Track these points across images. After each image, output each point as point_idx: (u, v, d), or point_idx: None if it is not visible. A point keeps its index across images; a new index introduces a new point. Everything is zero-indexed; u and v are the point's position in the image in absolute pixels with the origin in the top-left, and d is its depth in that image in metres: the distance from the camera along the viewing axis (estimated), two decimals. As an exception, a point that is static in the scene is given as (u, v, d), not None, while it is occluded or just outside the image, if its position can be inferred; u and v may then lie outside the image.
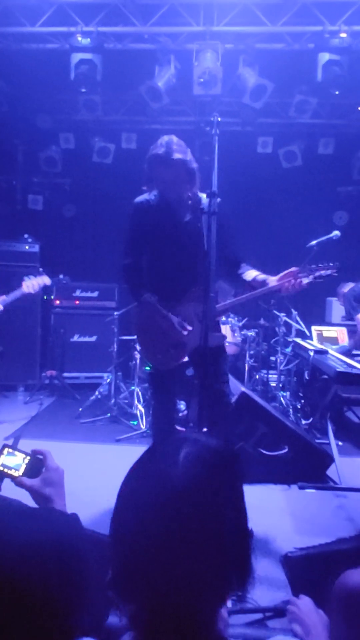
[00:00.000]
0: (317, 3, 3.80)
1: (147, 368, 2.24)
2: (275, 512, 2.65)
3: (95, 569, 0.69)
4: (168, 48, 4.11)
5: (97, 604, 0.66)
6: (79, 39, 3.96)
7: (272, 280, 2.11)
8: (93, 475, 3.10)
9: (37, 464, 0.97)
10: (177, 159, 2.01)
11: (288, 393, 4.28)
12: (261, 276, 2.18)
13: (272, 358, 4.63)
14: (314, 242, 3.72)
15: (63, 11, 3.98)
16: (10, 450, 0.97)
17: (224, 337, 2.39)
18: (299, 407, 4.04)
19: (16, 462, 0.96)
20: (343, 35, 3.79)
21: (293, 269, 2.08)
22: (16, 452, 0.97)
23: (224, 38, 4.04)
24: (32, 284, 3.20)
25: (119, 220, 5.68)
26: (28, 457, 0.97)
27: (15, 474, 0.96)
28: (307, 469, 3.01)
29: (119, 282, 5.20)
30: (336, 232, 3.59)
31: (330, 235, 3.56)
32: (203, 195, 2.16)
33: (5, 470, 0.95)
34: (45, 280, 3.33)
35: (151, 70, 4.20)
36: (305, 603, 1.05)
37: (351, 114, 4.79)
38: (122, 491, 0.70)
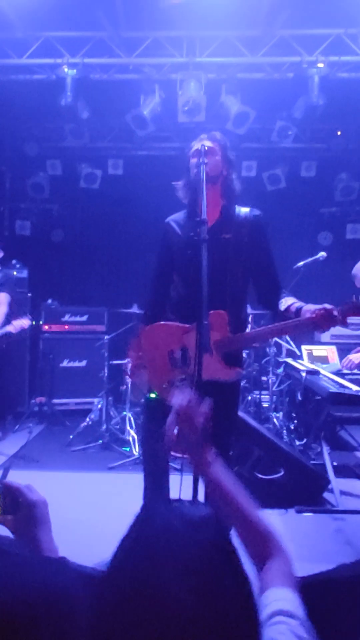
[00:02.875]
0: (295, 36, 3.97)
1: (153, 395, 2.10)
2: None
3: (84, 612, 0.66)
4: (152, 78, 4.23)
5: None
6: (66, 70, 4.04)
7: (308, 310, 1.84)
8: (85, 506, 3.02)
9: (10, 501, 0.93)
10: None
11: (281, 414, 4.26)
12: (297, 304, 1.95)
13: (264, 378, 4.62)
14: (301, 264, 3.78)
15: (49, 44, 4.08)
16: None
17: (240, 373, 2.05)
18: (293, 427, 4.01)
19: None
20: (320, 65, 3.95)
21: (327, 305, 1.81)
22: None
23: (206, 68, 4.17)
24: (19, 325, 3.65)
25: (106, 244, 5.73)
26: None
27: None
28: (304, 492, 2.97)
29: (107, 305, 5.20)
30: (322, 253, 3.66)
31: (317, 256, 3.63)
32: (243, 210, 2.08)
33: None
34: (25, 323, 3.73)
35: (137, 99, 4.30)
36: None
37: (331, 139, 4.94)
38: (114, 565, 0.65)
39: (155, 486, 2.18)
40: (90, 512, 2.94)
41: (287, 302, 2.00)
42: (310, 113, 4.16)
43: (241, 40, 4.03)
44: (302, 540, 2.61)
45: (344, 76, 4.12)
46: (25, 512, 0.93)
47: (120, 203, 5.44)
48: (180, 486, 1.89)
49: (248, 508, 0.97)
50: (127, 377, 4.13)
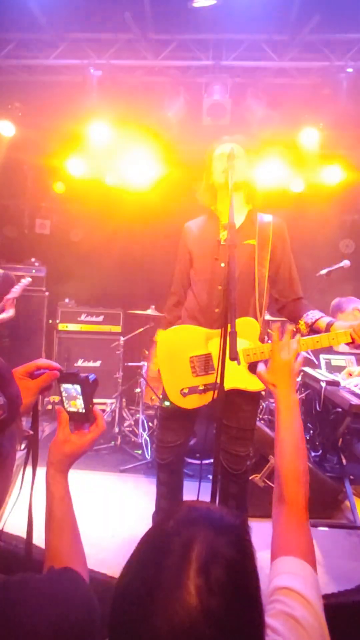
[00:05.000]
0: (323, 40, 3.90)
1: (167, 404, 2.00)
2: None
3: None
4: (178, 81, 4.21)
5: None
6: (92, 71, 4.06)
7: (343, 326, 1.82)
8: (96, 507, 3.00)
9: (86, 418, 0.95)
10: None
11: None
12: (326, 318, 1.92)
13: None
14: (324, 271, 3.71)
15: (76, 45, 4.09)
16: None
17: (257, 393, 1.99)
18: (309, 438, 3.93)
19: (76, 404, 0.94)
20: (349, 70, 3.88)
21: None
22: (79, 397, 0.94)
23: (232, 72, 4.14)
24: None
25: (125, 245, 5.72)
26: (86, 409, 0.94)
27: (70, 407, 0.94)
28: (319, 504, 2.90)
29: (124, 307, 5.18)
30: (346, 261, 3.59)
31: (340, 264, 3.55)
32: (266, 216, 2.03)
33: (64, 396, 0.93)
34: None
35: (161, 101, 4.28)
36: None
37: (357, 146, 4.86)
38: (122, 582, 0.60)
39: (170, 496, 2.14)
40: (100, 514, 2.91)
41: (314, 316, 1.95)
42: (336, 118, 4.09)
43: (268, 44, 3.98)
44: (317, 556, 2.53)
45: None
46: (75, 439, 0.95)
47: (141, 202, 5.43)
48: (198, 493, 1.85)
49: (306, 455, 1.03)
50: (143, 379, 4.10)
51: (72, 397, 0.94)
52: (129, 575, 0.58)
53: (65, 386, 0.94)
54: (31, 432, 0.91)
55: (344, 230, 5.57)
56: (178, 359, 1.96)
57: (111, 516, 2.88)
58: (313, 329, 1.95)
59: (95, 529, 2.67)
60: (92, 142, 4.62)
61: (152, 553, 0.58)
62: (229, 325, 1.44)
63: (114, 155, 5.04)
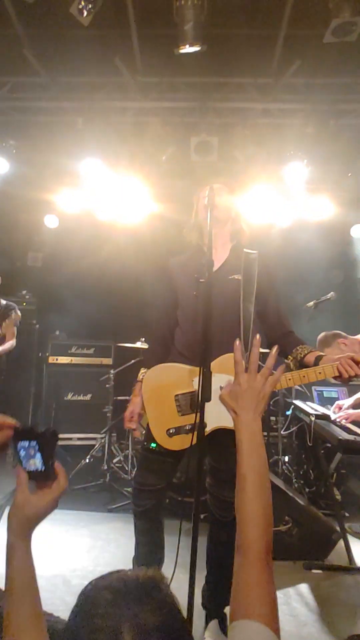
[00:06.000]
0: (303, 83, 4.07)
1: (153, 445, 1.92)
2: (279, 594, 2.42)
3: None
4: (166, 120, 4.35)
5: None
6: (84, 112, 4.19)
7: (330, 360, 1.81)
8: (80, 550, 2.88)
9: (47, 477, 0.88)
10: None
11: (289, 457, 4.10)
12: (316, 352, 1.92)
13: (273, 418, 4.48)
14: (311, 303, 3.74)
15: (69, 87, 4.24)
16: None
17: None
18: (302, 473, 3.84)
19: (35, 462, 0.88)
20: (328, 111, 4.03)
21: (357, 357, 1.80)
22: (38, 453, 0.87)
23: (219, 112, 4.29)
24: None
25: (116, 278, 5.76)
26: (46, 466, 0.87)
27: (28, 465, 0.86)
28: (313, 544, 2.80)
29: (115, 339, 5.16)
30: (332, 293, 3.62)
31: (327, 296, 3.59)
32: (251, 251, 2.04)
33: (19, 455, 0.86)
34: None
35: (151, 139, 4.41)
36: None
37: (343, 180, 4.99)
38: None
39: (148, 543, 2.05)
40: (83, 557, 2.79)
41: (303, 350, 1.95)
42: (320, 155, 4.22)
43: (253, 86, 4.14)
44: (309, 602, 2.42)
45: (354, 122, 4.19)
46: (37, 498, 0.88)
47: (132, 236, 5.51)
48: (179, 532, 1.78)
49: (268, 494, 0.89)
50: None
51: (30, 455, 0.88)
52: None
53: (22, 443, 0.88)
54: None
55: (332, 261, 5.65)
56: (163, 397, 1.91)
57: (96, 560, 2.76)
58: (302, 364, 1.93)
59: (78, 575, 2.56)
60: (85, 177, 4.72)
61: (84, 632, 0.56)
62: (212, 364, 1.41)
63: (105, 190, 5.15)
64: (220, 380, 1.57)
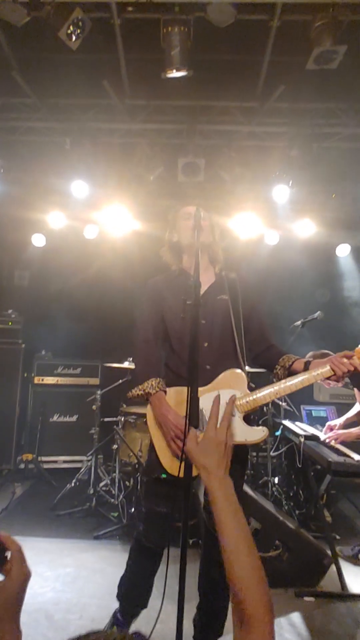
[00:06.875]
0: (288, 108, 4.18)
1: (164, 476, 1.85)
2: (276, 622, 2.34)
3: None
4: (154, 141, 4.40)
5: None
6: (72, 133, 4.23)
7: (319, 363, 1.84)
8: (64, 582, 2.76)
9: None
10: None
11: (279, 478, 4.04)
12: (303, 359, 1.95)
13: (261, 439, 4.43)
14: (298, 322, 3.75)
15: (57, 109, 4.28)
16: None
17: (266, 431, 1.81)
18: (291, 494, 3.78)
19: None
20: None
21: (348, 352, 1.83)
22: None
23: (205, 134, 4.36)
24: None
25: (103, 297, 5.73)
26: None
27: None
28: (304, 570, 2.73)
29: (102, 359, 5.10)
30: (319, 312, 3.64)
31: (314, 315, 3.60)
32: (232, 272, 2.07)
33: None
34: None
35: (139, 160, 4.45)
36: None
37: (327, 201, 5.08)
38: None
39: (142, 581, 1.98)
40: (67, 589, 2.67)
41: (289, 359, 1.97)
42: (305, 177, 4.30)
43: (239, 110, 4.24)
44: (302, 632, 2.35)
45: (337, 146, 4.30)
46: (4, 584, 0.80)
47: (119, 256, 5.51)
48: (167, 559, 1.72)
49: (252, 549, 0.83)
50: (119, 435, 3.94)
51: None
52: None
53: None
54: None
55: (318, 280, 5.71)
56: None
57: (81, 592, 2.65)
58: (291, 372, 1.95)
59: (61, 609, 2.44)
60: (72, 196, 4.73)
61: None
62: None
63: (93, 209, 5.16)
64: (226, 395, 1.57)
